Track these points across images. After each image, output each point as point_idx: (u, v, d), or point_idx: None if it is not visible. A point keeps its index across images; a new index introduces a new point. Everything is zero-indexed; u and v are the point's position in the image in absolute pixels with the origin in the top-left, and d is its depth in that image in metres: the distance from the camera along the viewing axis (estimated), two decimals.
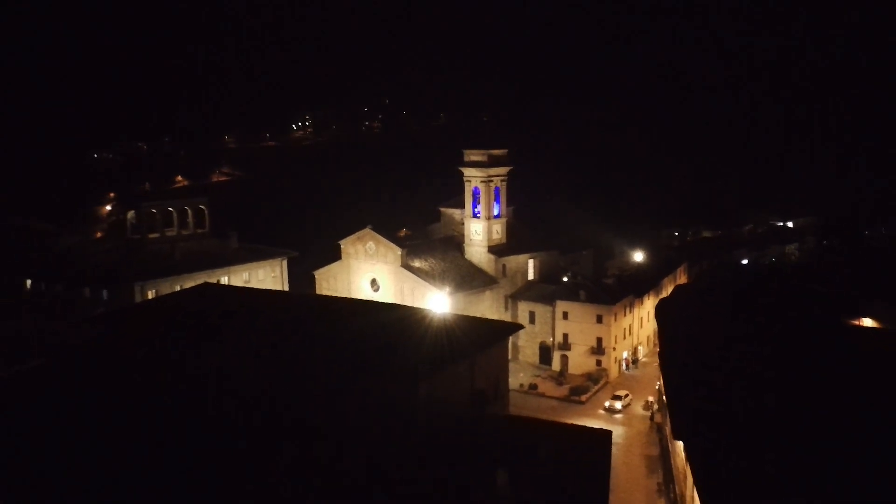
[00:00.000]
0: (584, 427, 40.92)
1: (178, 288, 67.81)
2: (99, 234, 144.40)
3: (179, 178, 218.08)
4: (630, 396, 74.09)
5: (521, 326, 68.03)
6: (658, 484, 55.23)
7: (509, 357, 66.64)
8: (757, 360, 46.19)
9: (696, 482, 34.17)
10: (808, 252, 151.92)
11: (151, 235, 79.41)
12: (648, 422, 68.40)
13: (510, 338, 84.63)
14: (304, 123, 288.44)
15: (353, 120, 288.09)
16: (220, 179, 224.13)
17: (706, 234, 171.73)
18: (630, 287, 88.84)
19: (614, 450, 61.41)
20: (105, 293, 69.45)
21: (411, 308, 53.99)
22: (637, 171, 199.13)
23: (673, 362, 50.93)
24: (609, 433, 38.69)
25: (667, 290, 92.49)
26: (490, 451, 33.09)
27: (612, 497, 52.16)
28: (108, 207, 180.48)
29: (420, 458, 31.99)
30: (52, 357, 46.60)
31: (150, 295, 68.76)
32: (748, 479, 31.70)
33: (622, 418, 70.19)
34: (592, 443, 36.81)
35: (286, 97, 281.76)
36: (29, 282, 76.20)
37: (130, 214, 79.75)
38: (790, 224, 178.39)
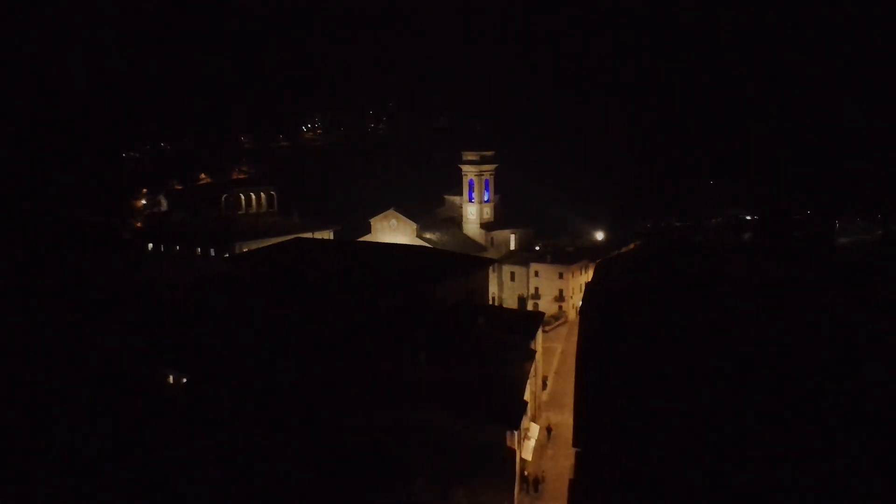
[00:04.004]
0: (530, 311, 70.91)
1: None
2: (139, 224, 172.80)
3: (203, 175, 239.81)
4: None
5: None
6: None
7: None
8: (660, 288, 69.89)
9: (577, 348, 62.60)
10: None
11: (239, 212, 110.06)
12: None
13: (496, 294, 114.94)
14: (313, 125, 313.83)
15: (359, 121, 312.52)
16: (240, 177, 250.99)
17: (677, 224, 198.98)
18: (586, 254, 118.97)
19: (563, 356, 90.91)
20: (212, 251, 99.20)
21: (428, 248, 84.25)
22: (617, 170, 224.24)
23: (591, 289, 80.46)
24: (542, 314, 68.72)
25: None
26: (474, 313, 63.19)
27: (554, 379, 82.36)
28: (144, 201, 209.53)
29: (436, 314, 62.04)
30: (214, 277, 76.09)
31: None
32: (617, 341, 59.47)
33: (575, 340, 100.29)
34: (532, 316, 66.88)
35: (296, 100, 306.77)
36: (150, 245, 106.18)
37: (224, 197, 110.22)
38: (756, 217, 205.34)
